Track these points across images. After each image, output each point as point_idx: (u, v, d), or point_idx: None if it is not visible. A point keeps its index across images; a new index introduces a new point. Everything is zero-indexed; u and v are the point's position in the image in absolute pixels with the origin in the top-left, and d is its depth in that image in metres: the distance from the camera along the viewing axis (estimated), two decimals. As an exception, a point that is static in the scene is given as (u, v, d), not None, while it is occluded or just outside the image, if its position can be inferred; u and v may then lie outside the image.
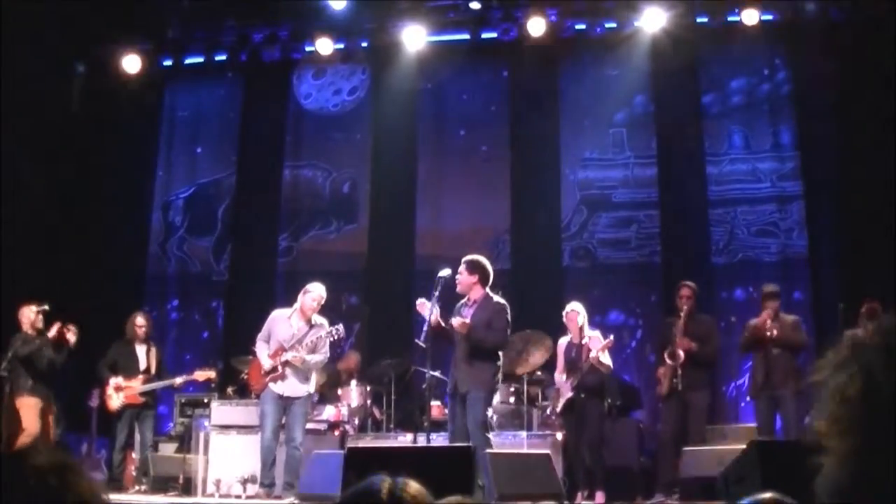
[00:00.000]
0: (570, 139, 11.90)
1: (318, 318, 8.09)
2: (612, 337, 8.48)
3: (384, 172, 12.20)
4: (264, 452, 7.79)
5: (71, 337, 8.92)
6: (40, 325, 8.95)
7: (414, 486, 1.49)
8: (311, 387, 8.13)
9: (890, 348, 0.95)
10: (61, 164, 11.60)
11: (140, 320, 9.53)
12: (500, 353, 7.30)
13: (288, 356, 7.84)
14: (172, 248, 12.74)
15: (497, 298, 7.29)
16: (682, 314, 8.42)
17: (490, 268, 7.34)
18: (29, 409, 8.79)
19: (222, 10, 12.07)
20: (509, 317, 7.22)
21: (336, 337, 8.16)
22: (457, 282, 7.24)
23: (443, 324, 7.13)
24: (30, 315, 8.98)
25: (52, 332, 8.85)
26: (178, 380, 9.47)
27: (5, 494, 1.22)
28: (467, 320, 7.09)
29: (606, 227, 11.69)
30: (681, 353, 8.18)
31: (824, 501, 0.97)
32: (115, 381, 9.19)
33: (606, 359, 8.33)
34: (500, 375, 7.29)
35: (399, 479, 1.50)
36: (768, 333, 8.23)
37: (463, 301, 7.33)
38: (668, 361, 8.28)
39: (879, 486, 0.91)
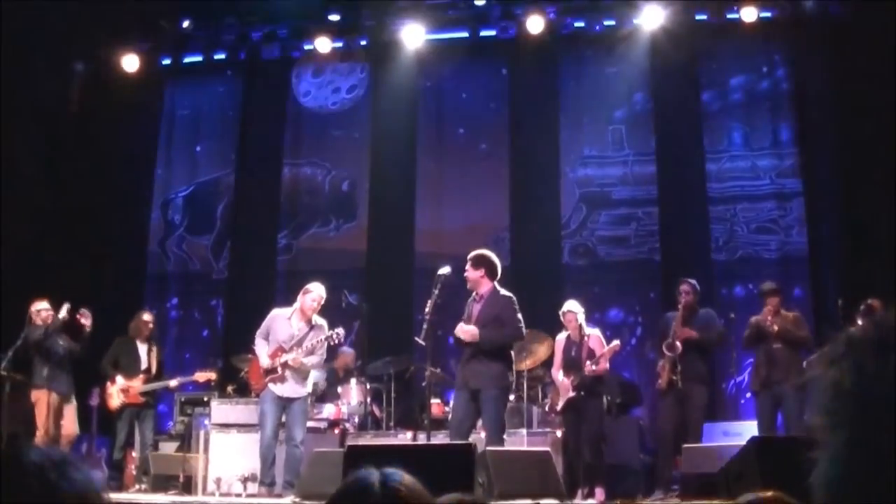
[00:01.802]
0: (569, 137, 11.90)
1: (318, 319, 8.07)
2: (618, 342, 8.47)
3: (383, 170, 12.20)
4: (264, 451, 7.78)
5: (86, 322, 8.90)
6: (49, 320, 8.94)
7: (406, 477, 1.47)
8: (309, 387, 8.13)
9: (883, 343, 0.96)
10: (61, 163, 11.60)
11: (147, 317, 9.54)
12: (513, 348, 7.25)
13: (287, 358, 7.83)
14: (172, 246, 12.75)
15: (504, 291, 7.21)
16: (680, 307, 8.41)
17: (497, 261, 7.26)
18: (42, 404, 8.81)
19: (222, 9, 12.07)
20: (517, 307, 7.13)
21: (336, 341, 8.17)
22: (465, 278, 7.22)
23: (457, 334, 7.07)
24: (41, 311, 8.96)
25: (63, 313, 8.76)
26: (173, 382, 9.46)
27: (4, 491, 1.22)
28: (473, 329, 7.00)
29: (606, 224, 11.69)
30: (678, 345, 8.17)
31: (820, 496, 0.97)
32: (120, 380, 9.19)
33: (603, 361, 8.32)
34: (513, 371, 7.20)
35: (389, 471, 1.47)
36: (770, 329, 8.23)
37: (472, 297, 7.28)
38: (667, 353, 8.27)
39: (873, 481, 0.92)
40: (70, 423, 8.94)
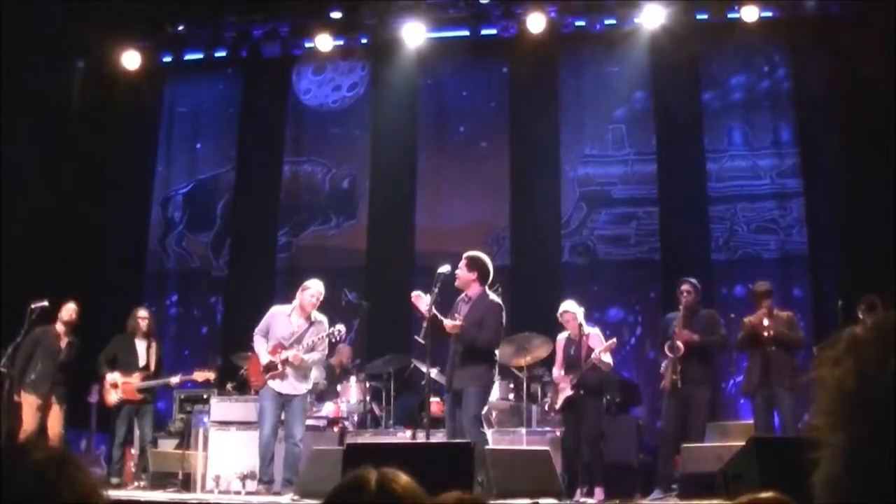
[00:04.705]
0: (569, 135, 11.90)
1: (317, 315, 8.07)
2: (615, 340, 8.48)
3: (384, 168, 12.20)
4: (263, 448, 7.78)
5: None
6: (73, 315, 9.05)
7: (403, 478, 1.47)
8: (309, 384, 8.13)
9: (885, 342, 0.95)
10: (61, 160, 11.59)
11: (142, 312, 9.50)
12: (496, 351, 7.29)
13: (287, 355, 7.83)
14: (172, 243, 12.74)
15: (493, 297, 7.26)
16: (680, 307, 8.40)
17: (490, 266, 7.31)
18: (28, 404, 8.81)
19: (222, 6, 12.06)
20: (504, 317, 7.19)
21: (337, 339, 8.16)
22: (456, 276, 7.24)
23: (438, 316, 7.11)
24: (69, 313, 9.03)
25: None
26: (174, 379, 9.43)
27: (4, 489, 1.22)
28: (458, 322, 7.08)
29: (606, 223, 11.69)
30: (680, 346, 8.16)
31: (821, 497, 0.97)
32: (111, 377, 9.16)
33: (607, 357, 8.34)
34: (496, 371, 7.28)
35: (387, 469, 1.48)
36: (765, 333, 8.20)
37: (462, 296, 7.32)
38: (669, 354, 8.26)
39: (874, 481, 0.92)
40: (55, 425, 8.93)
